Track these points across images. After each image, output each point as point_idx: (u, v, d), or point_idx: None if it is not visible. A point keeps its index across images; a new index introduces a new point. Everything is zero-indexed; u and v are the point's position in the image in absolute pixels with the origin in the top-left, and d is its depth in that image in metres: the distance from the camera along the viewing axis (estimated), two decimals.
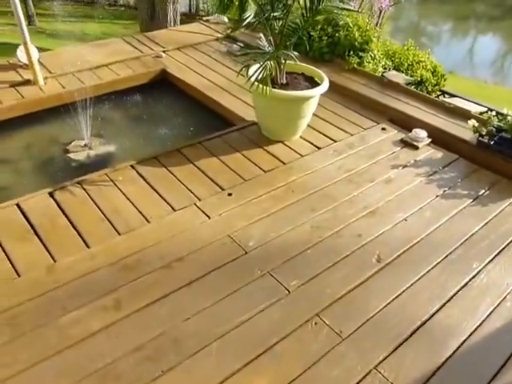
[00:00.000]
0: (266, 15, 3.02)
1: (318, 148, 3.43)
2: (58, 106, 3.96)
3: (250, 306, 2.18)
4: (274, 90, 3.06)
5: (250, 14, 2.93)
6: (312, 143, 3.48)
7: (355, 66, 4.38)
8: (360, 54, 4.47)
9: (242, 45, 4.84)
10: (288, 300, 2.22)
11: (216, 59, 4.71)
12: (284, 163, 3.24)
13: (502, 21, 12.96)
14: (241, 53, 4.52)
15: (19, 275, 2.30)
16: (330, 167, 3.22)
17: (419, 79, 4.40)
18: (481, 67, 10.15)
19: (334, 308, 2.19)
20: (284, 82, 3.35)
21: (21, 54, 4.11)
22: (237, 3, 3.27)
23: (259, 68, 2.94)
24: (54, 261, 2.39)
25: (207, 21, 5.55)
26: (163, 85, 4.44)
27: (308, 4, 3.11)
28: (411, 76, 4.42)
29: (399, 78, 4.22)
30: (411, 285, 2.33)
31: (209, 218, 2.73)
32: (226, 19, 5.48)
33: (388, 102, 3.93)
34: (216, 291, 2.26)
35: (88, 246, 2.49)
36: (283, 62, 3.21)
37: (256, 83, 3.00)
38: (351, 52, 4.47)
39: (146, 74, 4.39)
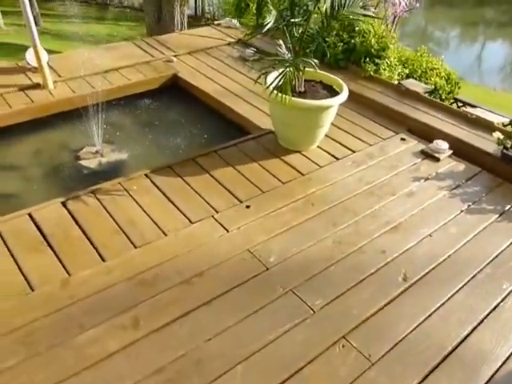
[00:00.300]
0: (286, 21, 2.95)
1: (337, 158, 3.36)
2: (68, 110, 3.90)
3: (274, 325, 2.11)
4: (292, 98, 2.99)
5: (270, 21, 2.85)
6: (330, 153, 3.41)
7: (371, 73, 4.32)
8: (376, 60, 4.41)
9: (254, 50, 4.77)
10: (313, 320, 2.15)
11: (228, 64, 4.65)
12: (302, 174, 3.17)
13: (511, 27, 12.92)
14: (257, 58, 4.48)
15: (33, 289, 2.23)
16: (350, 179, 3.15)
17: (433, 87, 4.34)
18: (489, 74, 10.10)
19: (362, 330, 2.11)
20: (302, 89, 3.29)
21: (30, 56, 4.04)
22: (254, 8, 3.21)
23: (279, 76, 2.87)
24: (69, 274, 2.32)
25: (218, 25, 5.48)
26: (174, 90, 4.37)
27: (328, 10, 3.03)
28: (425, 83, 4.37)
29: (417, 86, 4.15)
30: (440, 306, 2.25)
31: (227, 231, 2.65)
32: (237, 23, 5.42)
33: (406, 111, 3.86)
34: (238, 309, 2.18)
35: (103, 259, 2.42)
36: (302, 69, 3.14)
37: (275, 91, 2.93)
38: (367, 59, 4.41)
39: (157, 78, 4.32)
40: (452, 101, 4.48)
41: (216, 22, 5.53)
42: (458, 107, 4.27)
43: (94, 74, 4.23)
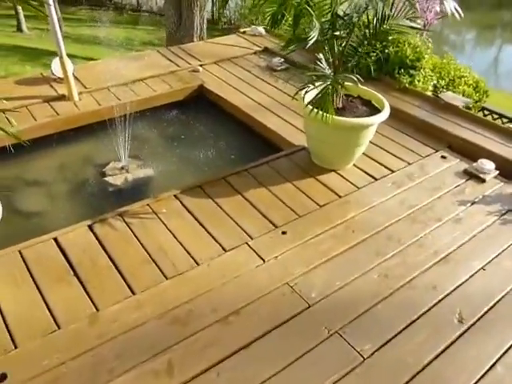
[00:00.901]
0: (329, 35, 2.73)
1: (375, 179, 3.13)
2: (93, 123, 3.74)
3: (321, 375, 1.90)
4: (334, 117, 2.77)
5: (314, 35, 2.63)
6: (367, 173, 3.18)
7: (406, 85, 4.08)
8: (411, 71, 4.17)
9: (282, 60, 4.56)
10: (364, 369, 1.93)
11: (256, 75, 4.44)
12: (340, 196, 2.95)
13: None
14: (284, 68, 4.25)
15: (59, 327, 2.05)
16: (391, 202, 2.93)
17: (461, 95, 4.10)
18: (506, 78, 9.79)
19: (419, 382, 1.89)
20: (340, 105, 3.07)
21: (55, 67, 3.89)
22: (290, 19, 3.00)
23: (319, 93, 2.66)
24: (97, 309, 2.14)
25: (244, 33, 5.28)
26: (201, 101, 4.18)
27: (373, 22, 2.81)
28: (453, 92, 4.13)
29: (457, 100, 3.90)
30: (504, 353, 2.02)
31: (263, 260, 2.45)
32: (263, 31, 5.21)
33: (446, 127, 3.62)
34: (280, 355, 1.98)
35: (133, 292, 2.23)
36: (343, 85, 2.92)
37: (315, 109, 2.72)
38: (401, 70, 4.17)
39: (184, 89, 4.14)
40: (479, 109, 4.24)
41: (241, 30, 5.33)
42: (485, 116, 4.03)
43: (120, 85, 4.07)
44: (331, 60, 2.89)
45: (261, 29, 5.17)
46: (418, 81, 4.15)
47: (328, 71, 2.79)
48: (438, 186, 3.08)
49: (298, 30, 2.94)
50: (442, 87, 4.26)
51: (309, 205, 2.87)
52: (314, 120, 2.88)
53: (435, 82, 4.25)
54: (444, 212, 2.85)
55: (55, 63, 3.85)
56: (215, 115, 4.03)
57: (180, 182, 3.25)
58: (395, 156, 3.38)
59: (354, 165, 3.24)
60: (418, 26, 3.11)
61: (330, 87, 2.66)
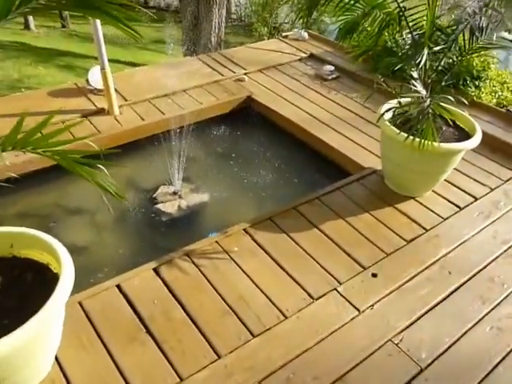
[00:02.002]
0: (426, 53, 2.41)
1: (459, 207, 2.82)
2: (137, 140, 3.43)
3: None
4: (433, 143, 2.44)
5: (423, 53, 2.30)
6: (449, 200, 2.87)
7: (474, 98, 3.76)
8: (476, 82, 3.85)
9: (333, 68, 4.23)
10: None
11: (306, 84, 4.12)
12: (425, 229, 2.64)
13: None
14: (335, 77, 3.91)
15: None
16: (483, 236, 2.62)
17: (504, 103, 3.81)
18: None
19: None
20: None
21: (92, 78, 3.57)
22: (372, 30, 2.69)
23: (418, 117, 2.34)
24: (180, 378, 1.84)
25: (286, 37, 4.95)
26: (248, 114, 3.87)
27: (471, 37, 2.50)
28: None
29: None
30: None
31: (358, 311, 2.15)
32: (306, 35, 4.88)
33: None
34: None
35: (218, 355, 1.93)
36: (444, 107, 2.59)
37: (408, 135, 2.40)
38: (466, 81, 3.85)
39: (231, 101, 3.82)
40: None
41: (283, 34, 5.00)
42: None
43: (161, 97, 3.76)
44: (421, 78, 2.57)
45: (304, 33, 4.84)
46: (484, 93, 3.84)
47: (423, 91, 2.46)
48: None
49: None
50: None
51: (394, 240, 2.56)
52: (398, 144, 2.58)
53: (500, 93, 3.94)
54: None
55: (93, 74, 3.54)
56: (266, 129, 3.72)
57: (239, 210, 2.98)
58: (475, 180, 3.07)
59: (433, 191, 2.94)
60: None
61: (430, 111, 2.35)
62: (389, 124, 2.61)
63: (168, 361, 1.90)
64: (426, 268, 2.40)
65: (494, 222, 2.74)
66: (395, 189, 2.90)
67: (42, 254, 1.83)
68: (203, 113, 3.66)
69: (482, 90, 3.84)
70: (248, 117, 3.81)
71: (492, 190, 3.00)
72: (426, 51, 2.35)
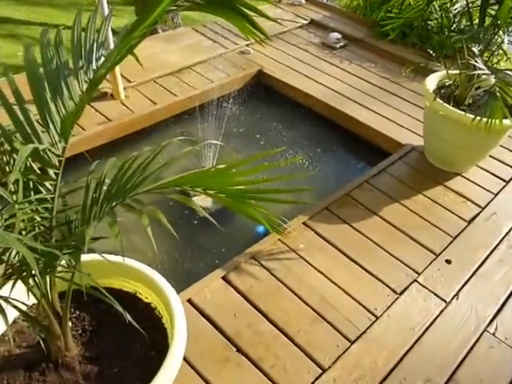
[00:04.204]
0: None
1: (504, 181, 2.80)
2: (149, 126, 3.12)
3: None
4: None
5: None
6: (494, 174, 2.84)
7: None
8: None
9: (340, 36, 4.02)
10: None
11: (315, 54, 3.90)
12: (481, 207, 2.60)
13: None
14: (343, 45, 3.70)
15: None
16: None
17: None
18: None
19: None
20: (471, 101, 2.66)
21: None
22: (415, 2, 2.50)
23: (490, 96, 2.22)
24: None
25: (279, 1, 4.63)
26: (260, 90, 3.61)
27: None
28: None
29: None
30: None
31: (445, 302, 2.08)
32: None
33: None
34: None
35: (321, 367, 1.80)
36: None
37: (483, 119, 2.27)
38: None
39: (242, 77, 3.54)
40: None
41: None
42: None
43: (167, 75, 3.42)
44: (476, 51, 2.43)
45: None
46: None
47: (484, 68, 2.33)
48: None
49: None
50: None
51: (455, 221, 2.49)
52: (456, 124, 2.47)
53: None
54: None
55: None
56: (284, 106, 3.49)
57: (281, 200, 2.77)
58: (510, 150, 3.05)
59: (476, 165, 2.89)
60: None
61: (497, 89, 2.23)
62: (445, 104, 2.48)
63: (272, 381, 1.74)
64: (495, 249, 2.36)
65: None
66: (440, 165, 2.82)
67: (128, 282, 1.58)
68: (216, 91, 3.36)
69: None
70: (260, 93, 3.55)
71: None
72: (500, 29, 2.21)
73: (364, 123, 3.14)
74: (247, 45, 3.89)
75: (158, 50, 3.64)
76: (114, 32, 2.80)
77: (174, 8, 1.00)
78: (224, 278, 2.09)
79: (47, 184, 1.16)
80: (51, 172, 1.15)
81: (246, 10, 1.08)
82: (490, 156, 2.94)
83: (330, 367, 1.80)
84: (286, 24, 4.23)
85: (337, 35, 4.00)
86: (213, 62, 3.62)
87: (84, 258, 1.55)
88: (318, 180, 2.93)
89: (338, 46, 3.96)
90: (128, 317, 1.22)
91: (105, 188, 1.21)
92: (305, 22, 4.30)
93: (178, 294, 1.94)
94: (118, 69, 3.01)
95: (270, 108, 3.51)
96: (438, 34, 2.96)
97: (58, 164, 1.12)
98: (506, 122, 2.31)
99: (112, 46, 2.81)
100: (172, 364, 1.32)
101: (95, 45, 1.18)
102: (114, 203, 1.12)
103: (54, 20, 6.49)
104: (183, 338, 1.39)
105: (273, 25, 4.15)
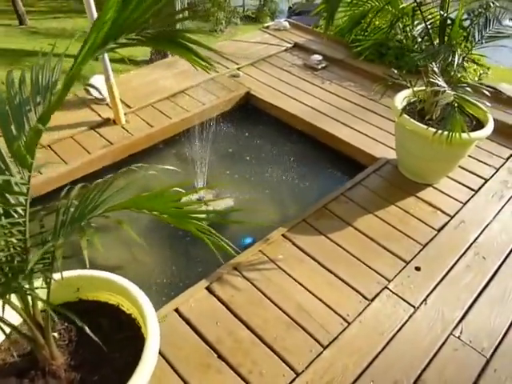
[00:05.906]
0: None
1: (473, 190, 2.79)
2: (148, 147, 3.15)
3: None
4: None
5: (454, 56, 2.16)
6: (463, 184, 2.83)
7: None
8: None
9: (320, 58, 4.04)
10: None
11: (298, 76, 3.92)
12: (450, 216, 2.59)
13: None
14: (324, 66, 3.72)
15: None
16: (503, 217, 2.60)
17: None
18: None
19: None
20: (438, 115, 2.66)
21: (93, 88, 3.21)
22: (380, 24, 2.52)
23: (451, 111, 2.23)
24: None
25: (267, 27, 4.67)
26: (248, 110, 3.63)
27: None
28: None
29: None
30: None
31: (414, 307, 2.07)
32: (287, 24, 4.63)
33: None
34: None
35: (295, 372, 1.80)
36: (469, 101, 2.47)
37: (443, 132, 2.27)
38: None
39: (231, 99, 3.57)
40: None
41: (265, 25, 4.71)
42: None
43: (163, 100, 3.45)
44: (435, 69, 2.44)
45: (285, 22, 4.59)
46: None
47: (444, 84, 2.34)
48: None
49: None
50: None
51: (425, 230, 2.49)
52: (421, 138, 2.48)
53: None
54: None
55: (95, 82, 3.17)
56: (269, 125, 3.51)
57: (265, 212, 2.80)
58: (480, 161, 3.04)
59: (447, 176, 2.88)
60: None
61: (456, 104, 2.24)
62: (411, 119, 2.49)
63: None
64: (462, 255, 2.35)
65: (508, 201, 2.72)
66: (412, 177, 2.82)
67: (112, 295, 1.59)
68: (207, 113, 3.39)
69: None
70: (247, 112, 3.58)
71: (497, 169, 2.98)
72: (458, 49, 2.22)
73: (343, 139, 3.15)
74: (238, 68, 3.92)
75: (155, 77, 3.68)
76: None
77: (116, 46, 1.01)
78: (208, 289, 2.10)
79: (19, 209, 1.18)
80: (21, 199, 1.18)
81: (190, 44, 1.11)
82: (460, 167, 2.94)
83: (303, 371, 1.80)
84: (272, 48, 4.26)
85: (318, 57, 4.02)
86: (205, 86, 3.65)
87: (74, 273, 1.59)
88: (300, 191, 2.95)
89: (319, 67, 3.98)
90: (87, 330, 1.25)
91: (72, 210, 1.24)
92: (289, 45, 4.33)
93: (166, 303, 1.98)
94: (118, 97, 3.04)
95: (256, 127, 3.53)
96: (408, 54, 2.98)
97: (26, 191, 1.15)
98: (465, 135, 2.32)
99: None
100: (148, 359, 1.34)
101: (50, 82, 1.20)
102: (77, 224, 1.15)
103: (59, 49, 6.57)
104: (156, 337, 1.41)
105: (261, 49, 4.24)
